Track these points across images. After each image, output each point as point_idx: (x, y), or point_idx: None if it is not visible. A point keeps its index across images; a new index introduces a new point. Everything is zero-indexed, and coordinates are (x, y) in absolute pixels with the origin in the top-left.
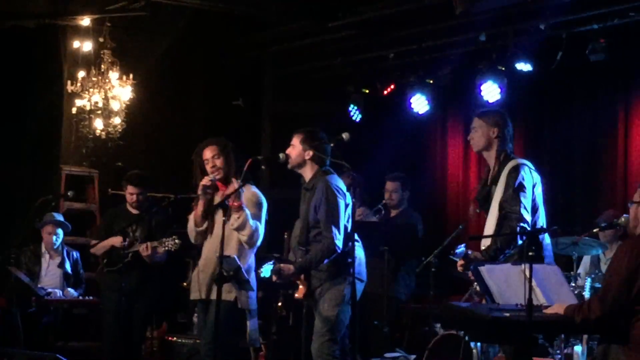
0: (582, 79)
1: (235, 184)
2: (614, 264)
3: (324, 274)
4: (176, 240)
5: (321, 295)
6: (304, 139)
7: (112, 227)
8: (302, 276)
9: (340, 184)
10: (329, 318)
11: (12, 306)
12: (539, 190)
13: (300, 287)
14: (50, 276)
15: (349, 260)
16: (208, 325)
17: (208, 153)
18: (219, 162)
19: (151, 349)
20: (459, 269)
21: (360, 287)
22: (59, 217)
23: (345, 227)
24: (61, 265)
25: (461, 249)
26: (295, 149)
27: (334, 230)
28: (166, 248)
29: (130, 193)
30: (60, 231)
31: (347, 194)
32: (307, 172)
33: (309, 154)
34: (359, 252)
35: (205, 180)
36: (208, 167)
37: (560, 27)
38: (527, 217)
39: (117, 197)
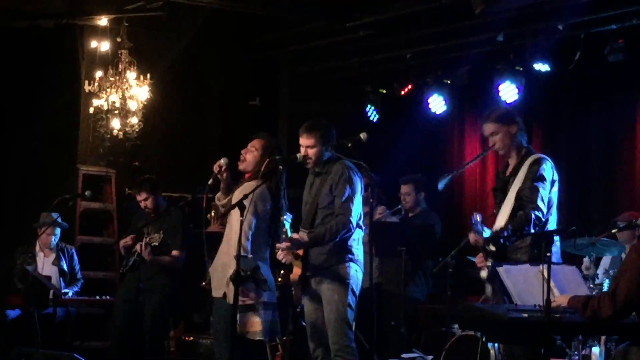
0: (600, 80)
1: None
2: (627, 263)
3: (323, 256)
4: (161, 235)
5: (321, 283)
6: (307, 132)
7: (134, 227)
8: (300, 259)
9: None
10: (339, 307)
11: (30, 306)
12: (555, 189)
13: (295, 268)
14: (46, 274)
15: (350, 244)
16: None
17: (252, 143)
18: (249, 156)
19: (168, 348)
20: (471, 237)
21: (360, 276)
22: (57, 218)
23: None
24: (56, 262)
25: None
26: (315, 148)
27: (352, 208)
28: (153, 244)
29: (139, 200)
30: (58, 231)
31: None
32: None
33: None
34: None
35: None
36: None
37: (578, 28)
38: (543, 208)
39: (134, 197)
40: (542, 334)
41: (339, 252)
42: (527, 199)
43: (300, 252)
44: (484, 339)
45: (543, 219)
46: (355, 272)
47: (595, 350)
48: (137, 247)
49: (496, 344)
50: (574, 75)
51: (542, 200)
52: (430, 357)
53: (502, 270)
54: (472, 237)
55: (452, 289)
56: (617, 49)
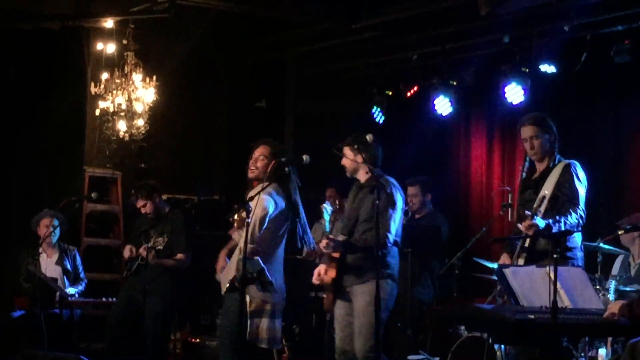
0: (607, 81)
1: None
2: None
3: (360, 269)
4: (165, 238)
5: (357, 294)
6: (353, 148)
7: (138, 231)
8: (335, 262)
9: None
10: (371, 320)
11: (36, 307)
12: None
13: (329, 272)
14: (50, 274)
15: (389, 260)
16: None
17: (258, 150)
18: (260, 164)
19: (174, 350)
20: (523, 226)
21: (395, 292)
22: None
23: None
24: (59, 262)
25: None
26: (348, 159)
27: (391, 224)
28: (157, 247)
29: (139, 207)
30: (57, 223)
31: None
32: (362, 175)
33: (360, 158)
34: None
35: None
36: (250, 162)
37: (584, 29)
38: (584, 207)
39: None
40: (548, 335)
41: (377, 267)
42: (568, 198)
43: (336, 254)
44: (490, 341)
45: (584, 216)
46: (391, 290)
47: (602, 351)
48: (141, 251)
49: (502, 346)
50: (580, 76)
51: (583, 201)
52: (437, 358)
53: (508, 271)
54: (525, 224)
55: (458, 290)
56: (623, 50)
